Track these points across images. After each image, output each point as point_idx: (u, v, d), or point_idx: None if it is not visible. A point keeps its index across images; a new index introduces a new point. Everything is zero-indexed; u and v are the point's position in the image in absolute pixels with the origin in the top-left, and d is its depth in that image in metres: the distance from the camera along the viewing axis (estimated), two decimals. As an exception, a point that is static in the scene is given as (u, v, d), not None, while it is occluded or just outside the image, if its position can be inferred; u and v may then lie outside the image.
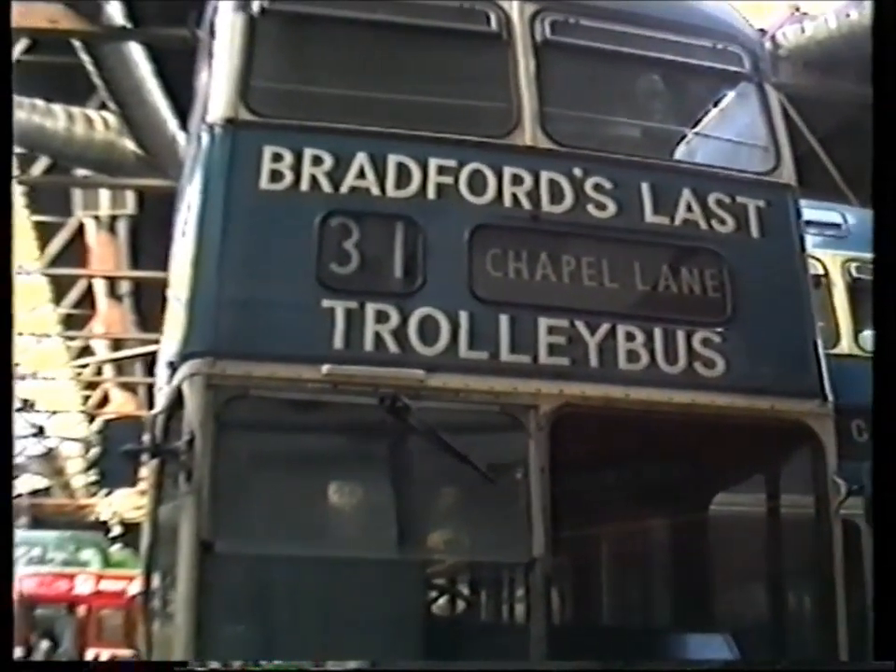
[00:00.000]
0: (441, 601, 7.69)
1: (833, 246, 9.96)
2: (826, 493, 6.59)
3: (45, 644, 28.74)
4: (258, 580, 6.50)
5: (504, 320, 6.37)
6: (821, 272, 9.67)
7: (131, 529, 37.93)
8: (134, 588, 7.95)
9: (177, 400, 6.20)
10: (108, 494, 42.13)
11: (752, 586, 8.14)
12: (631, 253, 6.87)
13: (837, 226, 10.27)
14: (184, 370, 6.15)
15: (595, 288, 6.65)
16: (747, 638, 7.32)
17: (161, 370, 7.54)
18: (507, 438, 6.36)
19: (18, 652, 28.54)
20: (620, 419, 6.46)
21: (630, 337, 6.51)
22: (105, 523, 45.34)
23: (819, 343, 7.04)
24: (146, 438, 6.42)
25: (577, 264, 6.66)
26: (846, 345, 9.52)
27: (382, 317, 6.24)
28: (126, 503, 40.67)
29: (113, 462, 6.44)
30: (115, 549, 38.71)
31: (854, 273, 9.89)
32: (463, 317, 6.31)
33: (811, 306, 7.19)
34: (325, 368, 6.04)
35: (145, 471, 6.97)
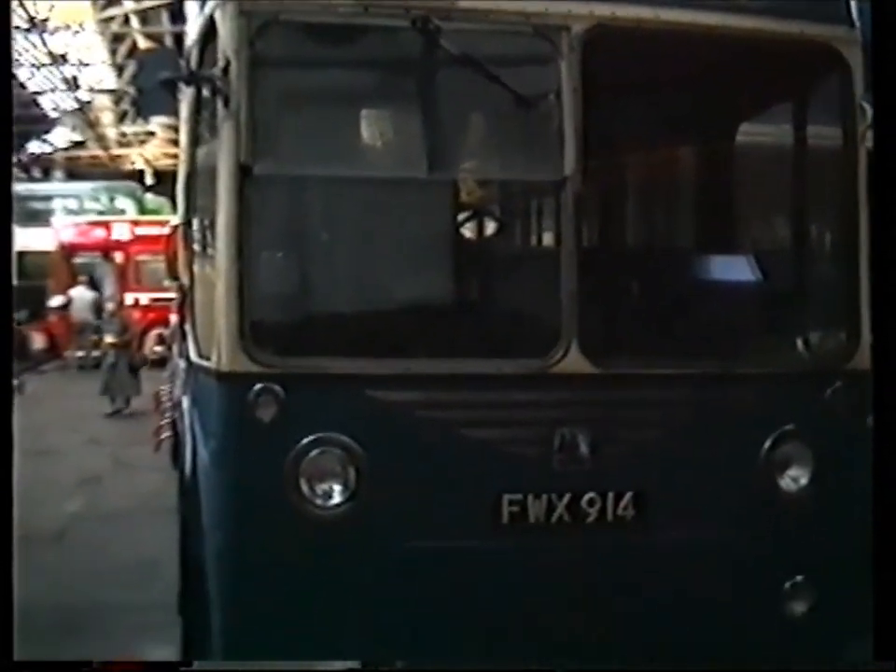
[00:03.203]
0: (472, 223, 7.85)
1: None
2: (853, 119, 6.67)
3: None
4: (296, 203, 6.72)
5: None
6: None
7: (164, 178, 38.26)
8: (172, 226, 8.11)
9: (210, 30, 6.25)
10: (142, 143, 42.39)
11: (777, 216, 8.28)
12: None
13: None
14: None
15: None
16: (769, 262, 7.52)
17: (191, 4, 7.53)
18: (539, 60, 6.35)
19: (57, 301, 29.44)
20: (650, 42, 6.45)
21: None
22: (138, 172, 45.64)
23: None
24: (181, 68, 6.52)
25: None
26: None
27: None
28: (158, 152, 40.96)
29: (150, 92, 6.48)
30: (149, 197, 39.16)
31: None
32: None
33: None
34: None
35: (181, 104, 7.04)
